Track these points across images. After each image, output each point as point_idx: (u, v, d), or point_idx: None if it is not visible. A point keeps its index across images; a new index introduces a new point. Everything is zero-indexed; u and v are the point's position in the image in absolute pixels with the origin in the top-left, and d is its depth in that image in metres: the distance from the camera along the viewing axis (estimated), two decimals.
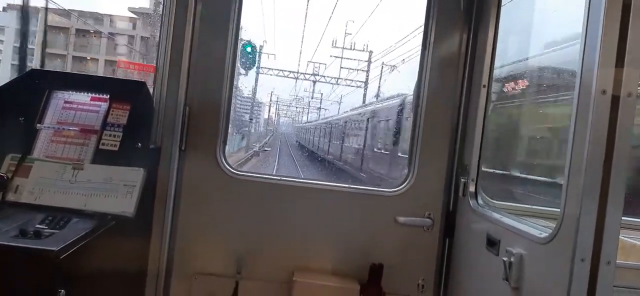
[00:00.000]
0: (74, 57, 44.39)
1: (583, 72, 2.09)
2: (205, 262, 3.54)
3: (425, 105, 3.55)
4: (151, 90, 3.45)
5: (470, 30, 3.49)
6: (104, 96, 3.35)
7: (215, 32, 3.48)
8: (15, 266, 2.20)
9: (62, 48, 43.99)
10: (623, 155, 1.96)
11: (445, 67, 3.54)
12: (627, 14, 1.95)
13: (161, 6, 3.43)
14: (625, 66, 1.95)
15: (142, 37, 45.33)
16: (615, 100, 1.96)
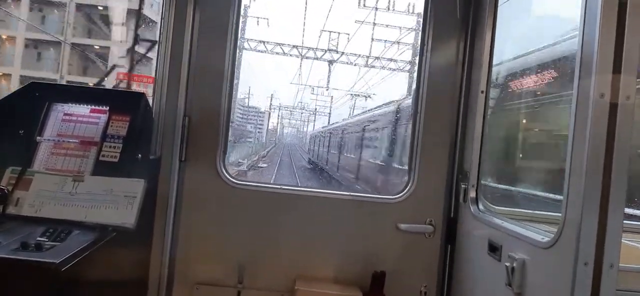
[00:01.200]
0: None
1: (581, 76, 2.10)
2: (206, 272, 3.53)
3: (424, 111, 3.57)
4: (150, 101, 3.46)
5: (467, 36, 3.52)
6: (104, 108, 3.36)
7: (214, 42, 3.49)
8: (17, 279, 2.19)
9: None
10: (623, 158, 1.96)
11: (443, 73, 3.56)
12: (623, 16, 1.96)
13: (160, 16, 3.45)
14: (623, 69, 1.96)
15: (77, 4, 35.07)
16: (613, 103, 1.97)
